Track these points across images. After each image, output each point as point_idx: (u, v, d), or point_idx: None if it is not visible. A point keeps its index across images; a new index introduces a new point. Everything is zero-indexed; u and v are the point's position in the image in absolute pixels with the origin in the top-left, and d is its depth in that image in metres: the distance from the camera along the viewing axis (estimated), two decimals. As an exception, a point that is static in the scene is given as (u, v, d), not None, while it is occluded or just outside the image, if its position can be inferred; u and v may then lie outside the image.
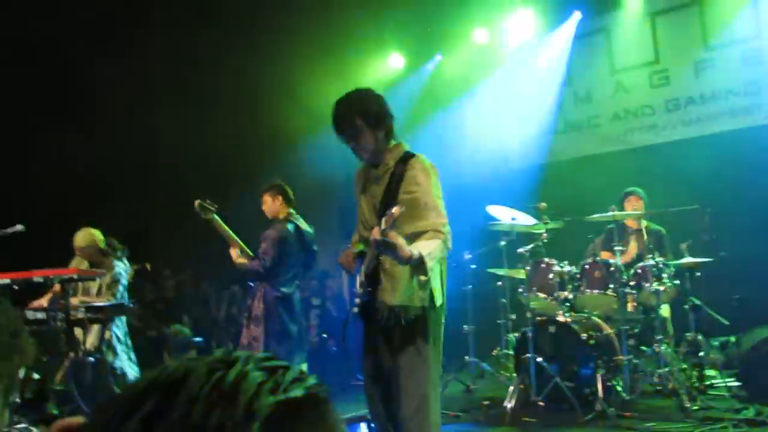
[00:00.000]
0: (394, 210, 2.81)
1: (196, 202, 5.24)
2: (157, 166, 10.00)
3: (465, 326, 6.86)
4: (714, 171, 7.34)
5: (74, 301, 5.75)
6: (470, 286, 6.97)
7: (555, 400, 5.48)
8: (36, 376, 5.32)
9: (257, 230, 5.55)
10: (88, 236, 6.04)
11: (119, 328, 6.03)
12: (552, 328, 5.78)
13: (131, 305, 6.23)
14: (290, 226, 5.48)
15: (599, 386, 5.35)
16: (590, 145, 9.29)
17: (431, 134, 9.29)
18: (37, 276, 5.32)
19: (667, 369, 5.60)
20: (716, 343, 6.67)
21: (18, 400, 4.63)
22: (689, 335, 6.05)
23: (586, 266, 5.98)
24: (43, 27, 7.89)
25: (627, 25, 9.02)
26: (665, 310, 6.21)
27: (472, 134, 9.78)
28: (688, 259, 5.93)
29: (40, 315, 5.48)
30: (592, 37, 9.36)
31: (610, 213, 5.86)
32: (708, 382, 6.01)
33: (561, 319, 5.80)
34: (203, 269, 10.47)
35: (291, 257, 5.47)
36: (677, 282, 5.94)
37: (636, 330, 6.05)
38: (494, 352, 7.07)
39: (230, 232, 5.43)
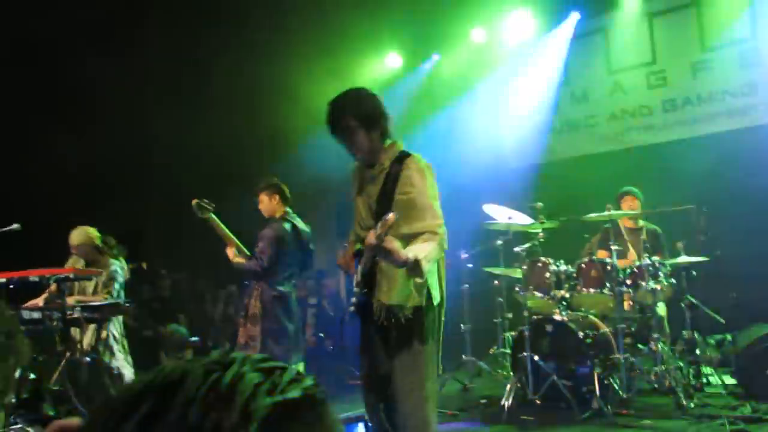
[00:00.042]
0: (389, 217, 2.80)
1: (194, 201, 5.24)
2: (153, 165, 9.99)
3: (462, 325, 6.86)
4: (710, 171, 7.36)
5: (70, 300, 5.73)
6: (467, 286, 6.97)
7: (552, 399, 5.48)
8: (32, 376, 5.31)
9: (254, 230, 5.54)
10: (83, 234, 6.02)
11: (116, 327, 6.02)
12: (549, 327, 5.79)
13: (127, 304, 6.21)
14: (287, 225, 5.48)
15: (596, 384, 5.36)
16: (587, 145, 9.31)
17: (428, 133, 9.29)
18: (34, 275, 5.31)
19: (663, 367, 5.62)
20: (712, 341, 6.70)
21: (14, 400, 4.62)
22: (686, 333, 6.07)
23: (583, 265, 5.98)
24: (38, 28, 7.88)
25: (624, 26, 9.03)
26: (662, 309, 6.23)
27: (469, 133, 9.78)
28: (684, 258, 5.94)
29: (36, 315, 5.47)
30: (589, 37, 9.38)
31: (607, 212, 5.86)
32: (704, 380, 6.02)
33: (558, 317, 5.80)
34: (199, 268, 10.46)
35: (288, 256, 5.47)
36: (673, 281, 5.96)
37: (632, 328, 6.06)
38: (491, 351, 7.08)
39: (227, 231, 5.43)
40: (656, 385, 5.80)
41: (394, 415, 3.18)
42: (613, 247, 5.83)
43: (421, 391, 3.16)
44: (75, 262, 6.08)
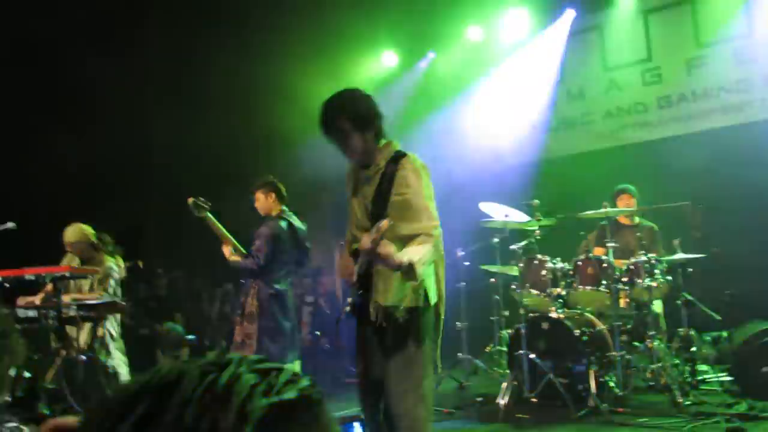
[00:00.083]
0: (383, 223, 2.80)
1: (190, 200, 5.23)
2: (151, 165, 9.99)
3: (458, 323, 6.87)
4: (706, 168, 7.37)
5: (66, 298, 5.71)
6: (463, 283, 6.98)
7: (548, 397, 5.49)
8: (27, 374, 5.29)
9: (251, 228, 5.54)
10: (78, 231, 6.00)
11: (113, 325, 6.00)
12: (545, 325, 5.79)
13: (124, 302, 6.20)
14: (283, 224, 5.48)
15: (592, 382, 5.37)
16: (583, 142, 9.32)
17: (425, 131, 9.30)
18: (29, 274, 5.30)
19: (659, 364, 5.62)
20: (708, 339, 6.72)
21: (8, 398, 4.61)
22: (682, 331, 6.08)
23: (579, 263, 5.99)
24: (38, 27, 7.87)
25: (620, 23, 9.04)
26: (658, 306, 6.24)
27: (466, 131, 9.78)
28: (680, 255, 5.95)
29: (32, 313, 5.46)
30: (585, 34, 9.38)
31: (603, 210, 5.87)
32: (700, 377, 6.03)
33: (554, 315, 5.81)
34: (196, 267, 10.46)
35: (284, 254, 5.47)
36: (669, 278, 5.96)
37: (629, 326, 6.07)
38: (487, 349, 7.08)
39: (223, 229, 5.43)
40: (652, 383, 5.81)
41: (390, 415, 3.18)
42: (610, 245, 5.84)
43: (417, 391, 3.16)
44: (70, 260, 6.06)
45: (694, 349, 6.08)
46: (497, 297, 6.85)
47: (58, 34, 7.90)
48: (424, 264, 2.98)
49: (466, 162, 9.21)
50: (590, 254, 6.14)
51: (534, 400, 5.48)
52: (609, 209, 5.92)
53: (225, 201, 5.80)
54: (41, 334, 5.45)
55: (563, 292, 6.01)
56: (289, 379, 0.67)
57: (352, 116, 3.22)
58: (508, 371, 5.98)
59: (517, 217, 6.14)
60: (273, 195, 5.55)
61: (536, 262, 6.05)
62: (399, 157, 3.26)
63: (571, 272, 6.01)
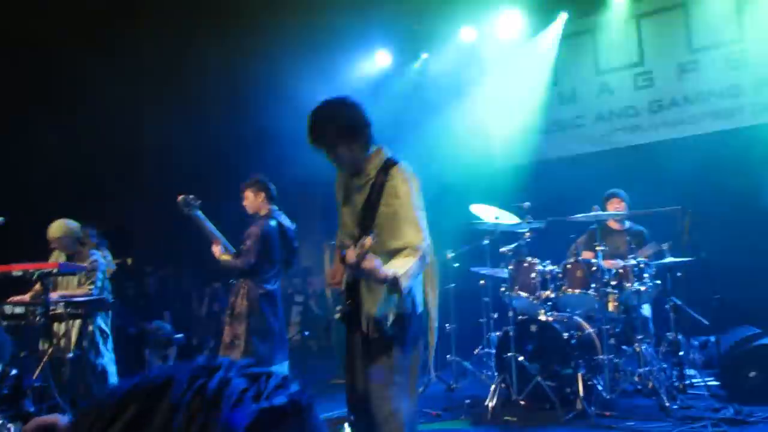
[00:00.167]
0: (367, 241, 2.79)
1: (180, 197, 5.21)
2: (141, 163, 9.95)
3: (447, 325, 6.87)
4: (696, 172, 7.39)
5: (54, 295, 5.68)
6: (453, 285, 6.98)
7: (536, 399, 5.50)
8: (13, 371, 5.26)
9: (241, 228, 5.52)
10: (63, 226, 5.96)
11: (103, 322, 5.97)
12: (534, 328, 5.80)
13: (111, 300, 6.17)
14: (273, 223, 5.47)
15: (580, 385, 5.38)
16: (574, 145, 9.33)
17: (416, 132, 9.29)
18: (17, 270, 5.27)
19: (647, 368, 5.64)
20: (696, 343, 6.75)
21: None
22: (670, 335, 6.09)
23: (568, 266, 6.00)
24: (27, 24, 7.82)
25: (612, 27, 9.05)
26: (646, 310, 6.27)
27: (457, 132, 9.78)
28: (669, 259, 5.97)
29: (19, 309, 5.43)
30: (577, 37, 9.40)
31: (593, 213, 5.88)
32: (688, 382, 6.04)
33: (543, 318, 5.82)
34: (185, 266, 10.42)
35: (274, 254, 5.46)
36: (658, 282, 5.98)
37: (617, 329, 6.08)
38: (476, 351, 7.08)
39: (213, 228, 5.41)
40: (640, 387, 5.83)
41: (374, 422, 3.19)
42: (599, 248, 5.85)
43: (402, 397, 3.17)
44: (58, 257, 6.03)
45: (681, 353, 6.10)
46: (486, 299, 6.86)
47: (47, 32, 7.86)
48: (409, 278, 2.98)
49: (458, 163, 9.21)
50: (579, 257, 6.16)
51: (522, 402, 5.49)
52: (599, 212, 5.93)
53: (214, 199, 5.78)
54: (28, 331, 5.42)
55: (552, 295, 6.02)
56: (279, 384, 0.67)
57: (340, 127, 3.17)
58: (496, 373, 5.99)
59: (508, 219, 6.15)
60: (262, 194, 5.54)
61: (526, 264, 6.06)
62: (389, 166, 3.23)
63: (560, 275, 6.02)
